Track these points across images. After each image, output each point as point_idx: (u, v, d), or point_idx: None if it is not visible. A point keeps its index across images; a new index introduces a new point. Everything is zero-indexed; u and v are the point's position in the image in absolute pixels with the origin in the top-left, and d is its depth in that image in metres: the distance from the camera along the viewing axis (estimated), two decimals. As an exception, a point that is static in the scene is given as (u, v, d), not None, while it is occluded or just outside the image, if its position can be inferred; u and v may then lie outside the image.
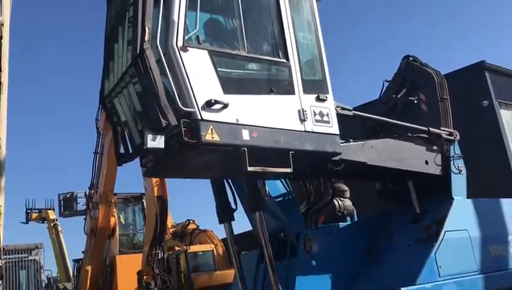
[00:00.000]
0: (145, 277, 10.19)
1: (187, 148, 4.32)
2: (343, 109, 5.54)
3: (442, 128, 6.51)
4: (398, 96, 8.59)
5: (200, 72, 4.37)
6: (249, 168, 4.45)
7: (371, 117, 6.30)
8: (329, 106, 5.19)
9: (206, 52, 4.48)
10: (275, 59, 5.04)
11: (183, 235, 15.15)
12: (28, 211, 17.89)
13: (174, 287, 13.11)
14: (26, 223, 17.78)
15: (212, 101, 4.30)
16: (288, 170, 4.72)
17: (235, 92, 4.56)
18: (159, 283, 10.10)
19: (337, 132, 5.14)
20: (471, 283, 5.58)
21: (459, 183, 6.27)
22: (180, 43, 4.30)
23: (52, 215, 17.90)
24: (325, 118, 5.07)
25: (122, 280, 12.53)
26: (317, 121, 5.00)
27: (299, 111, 4.91)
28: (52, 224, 17.71)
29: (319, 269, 5.52)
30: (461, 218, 5.93)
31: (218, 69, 4.51)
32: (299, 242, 5.66)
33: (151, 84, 4.12)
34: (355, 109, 5.79)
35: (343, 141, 5.36)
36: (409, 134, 6.15)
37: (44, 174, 62.44)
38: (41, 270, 12.29)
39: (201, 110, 4.24)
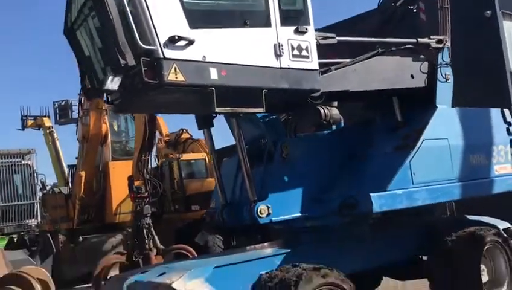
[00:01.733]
0: (135, 182, 10.32)
1: (149, 88, 4.10)
2: (325, 38, 5.22)
3: (431, 36, 6.25)
4: (397, 4, 8.22)
5: (163, 5, 4.07)
6: (217, 109, 4.28)
7: (356, 40, 5.92)
8: (310, 38, 4.88)
9: None
10: None
11: (176, 144, 15.30)
12: (24, 118, 18.01)
13: (168, 194, 13.46)
14: (22, 129, 17.95)
15: (176, 37, 3.99)
16: (261, 110, 4.56)
17: (203, 26, 4.26)
18: (149, 187, 10.24)
19: (317, 67, 4.90)
20: (445, 190, 5.63)
21: (444, 91, 6.12)
22: None
23: (47, 122, 17.98)
24: (304, 53, 4.80)
25: (115, 185, 12.78)
26: (294, 56, 4.74)
27: (274, 46, 4.63)
28: (48, 131, 17.84)
29: (293, 176, 5.50)
30: (442, 127, 5.87)
31: (185, 0, 4.13)
32: (275, 149, 5.62)
33: (107, 18, 3.83)
34: (347, 22, 5.52)
35: (326, 69, 5.13)
36: (394, 48, 5.85)
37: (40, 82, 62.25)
38: (35, 175, 12.55)
39: (164, 47, 3.98)
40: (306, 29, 4.83)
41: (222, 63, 4.28)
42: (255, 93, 4.52)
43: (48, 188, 13.57)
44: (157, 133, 13.03)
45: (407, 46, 5.98)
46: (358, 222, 5.77)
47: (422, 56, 6.10)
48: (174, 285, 4.19)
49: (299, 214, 5.46)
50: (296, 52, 4.74)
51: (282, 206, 5.35)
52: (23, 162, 12.34)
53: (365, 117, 6.64)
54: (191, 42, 4.08)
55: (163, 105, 5.07)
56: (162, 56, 3.96)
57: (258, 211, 5.21)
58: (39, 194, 13.40)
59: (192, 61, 4.13)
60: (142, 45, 3.89)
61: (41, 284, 8.98)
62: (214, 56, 4.24)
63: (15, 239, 13.44)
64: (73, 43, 4.66)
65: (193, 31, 4.13)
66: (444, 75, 6.15)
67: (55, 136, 17.80)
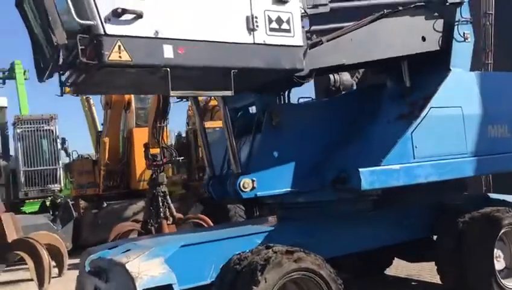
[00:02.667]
0: (151, 150, 10.11)
1: (90, 69, 3.60)
2: (314, 6, 4.56)
3: (449, -10, 5.45)
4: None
5: None
6: (172, 93, 3.75)
7: (354, 5, 5.25)
8: (292, 8, 4.20)
9: None
10: None
11: (204, 111, 14.98)
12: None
13: (193, 162, 13.23)
14: (61, 95, 18.09)
15: (120, 9, 3.41)
16: (228, 93, 3.99)
17: None
18: (167, 154, 10.02)
19: (300, 43, 4.23)
20: (454, 165, 4.95)
21: (461, 53, 5.37)
22: None
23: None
24: (284, 26, 4.13)
25: (138, 151, 12.63)
26: (272, 29, 4.07)
27: (247, 18, 3.97)
28: (84, 97, 17.94)
29: (283, 147, 4.96)
30: (455, 93, 5.15)
31: None
32: (264, 117, 5.09)
33: None
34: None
35: (316, 41, 4.51)
36: (401, 8, 5.11)
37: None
38: (57, 140, 12.62)
39: (105, 22, 3.41)
40: None
41: (179, 39, 3.69)
42: (221, 73, 3.95)
43: (72, 153, 13.66)
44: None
45: (417, 3, 5.21)
46: (357, 198, 5.23)
47: (436, 13, 5.31)
48: (127, 265, 3.85)
49: (288, 189, 4.97)
50: (274, 25, 4.08)
51: (269, 180, 4.88)
52: (45, 127, 12.38)
53: (375, 81, 5.97)
54: (139, 15, 3.51)
55: (121, 85, 4.54)
56: (102, 32, 3.41)
57: (241, 184, 4.76)
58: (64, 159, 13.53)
59: (142, 38, 3.55)
60: (78, 20, 3.37)
61: (52, 249, 9.00)
62: (170, 31, 3.66)
63: (47, 203, 13.69)
64: (23, 16, 4.14)
65: (145, 1, 3.57)
66: (462, 34, 5.37)
67: (92, 102, 17.88)
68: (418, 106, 4.95)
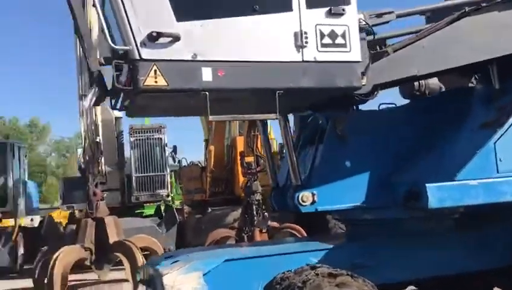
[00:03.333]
0: (246, 158, 10.19)
1: (128, 95, 3.59)
2: (378, 15, 4.16)
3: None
4: None
5: None
6: (210, 118, 3.61)
7: (426, 10, 4.70)
8: (349, 21, 3.84)
9: None
10: None
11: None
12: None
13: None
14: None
15: (154, 33, 3.34)
16: (272, 116, 3.80)
17: (196, 18, 3.50)
18: (261, 162, 10.01)
19: (358, 58, 3.86)
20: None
21: None
22: None
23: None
24: (339, 40, 3.79)
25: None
26: (325, 45, 3.76)
27: (295, 34, 3.69)
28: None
29: (348, 158, 4.60)
30: None
31: None
32: (328, 125, 4.73)
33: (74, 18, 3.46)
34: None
35: (380, 52, 4.09)
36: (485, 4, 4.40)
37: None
38: (166, 148, 13.28)
39: (141, 46, 3.35)
40: (343, 10, 3.79)
41: (219, 61, 3.54)
42: (266, 95, 3.71)
43: (181, 160, 14.28)
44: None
45: None
46: (434, 217, 4.63)
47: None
48: (164, 277, 3.79)
49: (353, 204, 4.57)
50: (327, 40, 3.76)
51: (331, 194, 4.54)
52: (156, 136, 13.10)
53: (461, 84, 5.28)
54: (176, 38, 3.40)
55: (166, 108, 4.44)
56: (138, 57, 3.36)
57: (300, 198, 4.48)
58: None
59: (179, 61, 3.46)
60: (113, 45, 3.38)
61: (150, 252, 9.40)
62: (209, 53, 3.52)
63: (161, 207, 14.50)
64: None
65: (182, 24, 3.46)
66: None
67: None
68: (506, 112, 4.24)
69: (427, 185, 3.93)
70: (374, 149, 4.64)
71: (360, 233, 4.85)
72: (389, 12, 4.24)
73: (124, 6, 3.33)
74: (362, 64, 3.89)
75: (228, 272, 4.06)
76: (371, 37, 4.19)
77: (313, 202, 4.51)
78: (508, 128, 4.12)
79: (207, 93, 3.51)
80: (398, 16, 4.37)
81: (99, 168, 9.03)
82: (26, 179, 12.71)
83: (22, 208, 12.54)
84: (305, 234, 9.25)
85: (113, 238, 9.22)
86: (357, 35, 3.85)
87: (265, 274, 4.06)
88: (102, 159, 9.28)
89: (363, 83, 3.91)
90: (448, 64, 4.36)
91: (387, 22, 4.28)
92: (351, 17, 3.84)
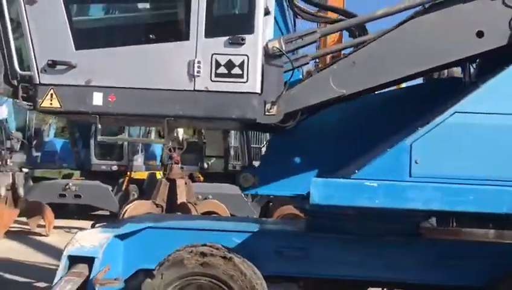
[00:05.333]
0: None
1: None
2: (288, 41, 3.86)
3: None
4: None
5: (47, 27, 3.77)
6: (99, 138, 3.91)
7: (348, 25, 4.30)
8: (249, 51, 3.71)
9: None
10: None
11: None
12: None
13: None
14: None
15: (50, 62, 3.70)
16: (162, 141, 3.92)
17: (93, 46, 3.78)
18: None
19: (255, 90, 3.74)
20: (483, 195, 3.56)
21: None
22: None
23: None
24: (236, 70, 3.71)
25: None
26: (219, 75, 3.72)
27: (189, 63, 3.71)
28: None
29: (291, 147, 4.61)
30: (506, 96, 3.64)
31: (75, 18, 3.81)
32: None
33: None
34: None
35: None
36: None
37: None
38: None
39: (41, 72, 3.74)
40: (243, 39, 3.69)
41: (110, 87, 3.76)
42: (159, 121, 3.89)
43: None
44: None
45: None
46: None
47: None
48: (79, 233, 4.28)
49: (291, 193, 4.60)
50: (222, 69, 3.71)
51: (272, 180, 4.59)
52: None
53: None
54: (71, 66, 3.74)
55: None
56: (38, 82, 3.78)
57: (242, 178, 4.63)
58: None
59: (73, 86, 3.77)
60: (18, 70, 3.84)
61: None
62: (101, 79, 3.76)
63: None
64: None
65: (80, 52, 3.76)
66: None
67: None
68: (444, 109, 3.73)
69: (313, 179, 3.72)
70: (316, 143, 4.54)
71: (311, 223, 4.74)
72: (312, 33, 3.98)
73: (30, 36, 3.76)
74: (264, 95, 3.78)
75: (145, 238, 4.40)
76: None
77: (254, 185, 4.59)
78: (433, 128, 3.63)
79: (97, 116, 3.82)
80: (323, 35, 4.18)
81: (176, 135, 9.86)
82: (152, 138, 14.11)
83: (139, 164, 14.19)
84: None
85: (181, 199, 10.13)
86: (257, 66, 3.74)
87: (178, 245, 4.28)
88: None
89: (273, 113, 3.79)
90: (381, 80, 3.98)
91: (311, 44, 4.03)
92: (252, 47, 3.72)
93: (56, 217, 11.01)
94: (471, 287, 4.25)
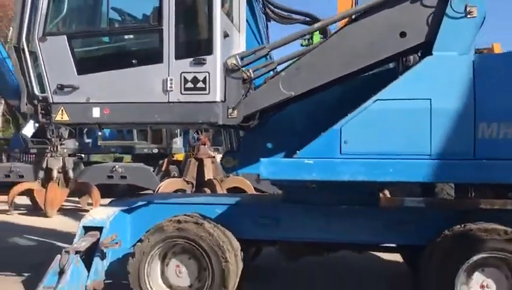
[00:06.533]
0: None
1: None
2: (243, 57, 4.66)
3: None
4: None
5: (56, 58, 4.78)
6: (99, 142, 4.90)
7: (297, 36, 4.94)
8: (210, 68, 4.54)
9: (65, 37, 4.77)
10: (143, 27, 4.93)
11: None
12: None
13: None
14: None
15: (59, 85, 4.75)
16: (145, 143, 4.87)
17: (90, 72, 4.75)
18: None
19: (216, 99, 4.58)
20: (400, 167, 4.31)
21: (456, 32, 4.33)
22: (40, 34, 4.77)
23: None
24: (200, 85, 4.56)
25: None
26: (187, 89, 4.58)
27: (164, 80, 4.58)
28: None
29: (264, 133, 5.41)
30: (425, 83, 4.36)
31: (75, 50, 4.78)
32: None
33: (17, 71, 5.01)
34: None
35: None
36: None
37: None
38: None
39: (53, 94, 4.80)
40: (204, 60, 4.53)
41: (106, 102, 4.74)
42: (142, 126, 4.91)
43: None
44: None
45: None
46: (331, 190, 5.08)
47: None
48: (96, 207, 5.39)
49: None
50: (189, 84, 4.58)
51: (249, 161, 5.44)
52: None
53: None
54: (75, 88, 4.77)
55: None
56: (51, 101, 4.84)
57: (224, 161, 5.60)
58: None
59: (77, 104, 4.79)
60: (36, 93, 4.91)
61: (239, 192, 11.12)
62: (98, 97, 4.75)
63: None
64: None
65: (81, 77, 4.77)
66: (461, 8, 4.31)
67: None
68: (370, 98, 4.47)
69: (261, 159, 4.58)
70: (280, 134, 5.33)
71: (284, 196, 5.60)
72: (261, 49, 4.80)
73: (44, 65, 4.83)
74: (227, 102, 4.62)
75: (147, 211, 5.43)
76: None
77: (234, 166, 5.52)
78: (358, 114, 4.39)
79: (97, 125, 4.98)
80: (271, 49, 4.88)
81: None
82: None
83: (178, 146, 15.43)
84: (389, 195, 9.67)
85: (208, 176, 11.23)
86: (217, 80, 4.55)
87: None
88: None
89: (234, 116, 4.64)
90: (325, 79, 4.65)
91: (261, 58, 4.80)
92: (212, 65, 4.54)
93: (105, 197, 12.36)
94: (414, 246, 5.01)
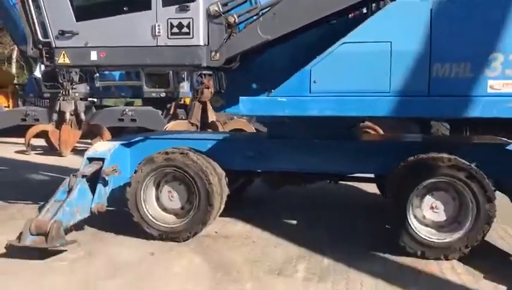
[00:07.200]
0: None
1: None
2: (224, 4, 5.07)
3: None
4: None
5: (56, 6, 5.27)
6: (97, 83, 5.38)
7: None
8: (193, 14, 4.99)
9: None
10: None
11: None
12: None
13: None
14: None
15: (60, 31, 5.25)
16: (138, 83, 5.34)
17: (87, 18, 5.22)
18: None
19: (200, 43, 5.03)
20: (362, 103, 4.82)
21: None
22: None
23: None
24: (184, 30, 5.01)
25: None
26: (173, 34, 5.03)
27: (152, 26, 5.05)
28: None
29: (245, 75, 5.80)
30: (386, 26, 4.77)
31: None
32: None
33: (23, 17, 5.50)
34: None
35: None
36: None
37: None
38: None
39: (56, 39, 5.31)
40: (187, 6, 4.98)
41: (101, 46, 5.23)
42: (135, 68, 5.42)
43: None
44: None
45: None
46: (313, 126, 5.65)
47: None
48: (99, 141, 6.04)
49: (250, 113, 5.97)
50: (175, 30, 5.04)
51: (234, 102, 5.90)
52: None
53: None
54: (74, 33, 5.28)
55: None
56: (54, 46, 5.36)
57: (214, 101, 6.18)
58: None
59: (76, 48, 5.30)
60: (41, 38, 5.43)
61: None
62: (95, 41, 5.24)
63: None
64: None
65: (79, 23, 5.26)
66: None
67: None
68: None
69: (241, 97, 5.12)
70: (262, 75, 5.73)
71: (269, 131, 6.18)
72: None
73: (46, 13, 5.35)
74: (208, 47, 5.09)
75: (144, 146, 6.05)
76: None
77: (222, 105, 6.08)
78: (326, 56, 4.86)
79: (95, 67, 5.55)
80: None
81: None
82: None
83: (185, 90, 15.98)
84: (381, 132, 10.26)
85: (211, 118, 11.84)
86: (200, 25, 5.02)
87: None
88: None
89: (217, 58, 5.13)
90: (298, 23, 5.06)
91: (244, 4, 5.23)
92: (195, 11, 5.01)
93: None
94: (383, 174, 5.61)
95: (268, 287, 4.28)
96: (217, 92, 6.19)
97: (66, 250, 4.96)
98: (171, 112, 14.98)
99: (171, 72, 14.90)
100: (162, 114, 14.99)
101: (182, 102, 15.79)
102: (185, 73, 15.58)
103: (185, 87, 15.98)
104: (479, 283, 4.33)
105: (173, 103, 15.11)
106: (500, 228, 5.80)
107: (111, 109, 15.70)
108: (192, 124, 11.87)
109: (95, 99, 18.05)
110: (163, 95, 15.60)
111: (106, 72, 18.26)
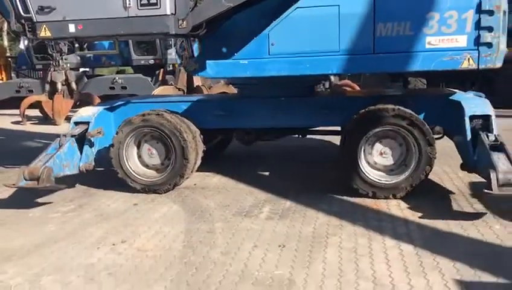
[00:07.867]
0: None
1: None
2: None
3: None
4: None
5: None
6: (77, 53, 5.76)
7: None
8: None
9: None
10: None
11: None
12: None
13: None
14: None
15: (40, 7, 5.65)
16: (114, 51, 5.68)
17: None
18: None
19: (167, 12, 5.41)
20: (315, 62, 5.38)
21: None
22: None
23: None
24: (152, 1, 5.41)
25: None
26: (142, 5, 5.43)
27: None
28: None
29: (216, 41, 6.12)
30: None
31: None
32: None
33: None
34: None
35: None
36: None
37: None
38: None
39: (36, 14, 5.72)
40: None
41: (78, 20, 5.63)
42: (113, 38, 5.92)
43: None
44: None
45: None
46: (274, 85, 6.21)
47: None
48: (84, 108, 6.62)
49: (218, 75, 6.48)
50: (144, 1, 5.45)
51: (204, 66, 6.39)
52: None
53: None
54: (53, 8, 5.70)
55: None
56: (35, 20, 5.72)
57: (188, 65, 6.68)
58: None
59: (56, 21, 5.67)
60: (22, 13, 5.85)
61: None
62: (72, 15, 5.63)
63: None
64: None
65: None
66: None
67: None
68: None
69: (207, 61, 5.66)
70: (231, 40, 6.03)
71: (240, 92, 6.74)
72: None
73: None
74: (175, 16, 5.48)
75: (125, 109, 6.63)
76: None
77: (196, 69, 6.60)
78: (282, 20, 5.39)
79: (73, 39, 5.96)
80: None
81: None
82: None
83: (172, 57, 16.42)
84: (358, 89, 10.80)
85: (197, 82, 12.34)
86: None
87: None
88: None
89: (184, 26, 5.51)
90: None
91: None
92: None
93: (108, 106, 13.73)
94: (341, 127, 6.22)
95: (234, 225, 4.93)
96: (190, 57, 6.70)
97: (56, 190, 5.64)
98: (160, 78, 15.47)
99: (157, 39, 15.32)
100: (151, 81, 15.48)
101: (172, 68, 16.27)
102: (172, 40, 16.00)
103: (172, 54, 16.42)
104: (416, 216, 4.99)
105: (161, 70, 15.58)
106: (441, 169, 6.48)
107: (102, 78, 16.20)
108: (179, 89, 12.37)
109: (88, 69, 18.51)
110: (151, 62, 16.08)
111: (96, 42, 18.77)
